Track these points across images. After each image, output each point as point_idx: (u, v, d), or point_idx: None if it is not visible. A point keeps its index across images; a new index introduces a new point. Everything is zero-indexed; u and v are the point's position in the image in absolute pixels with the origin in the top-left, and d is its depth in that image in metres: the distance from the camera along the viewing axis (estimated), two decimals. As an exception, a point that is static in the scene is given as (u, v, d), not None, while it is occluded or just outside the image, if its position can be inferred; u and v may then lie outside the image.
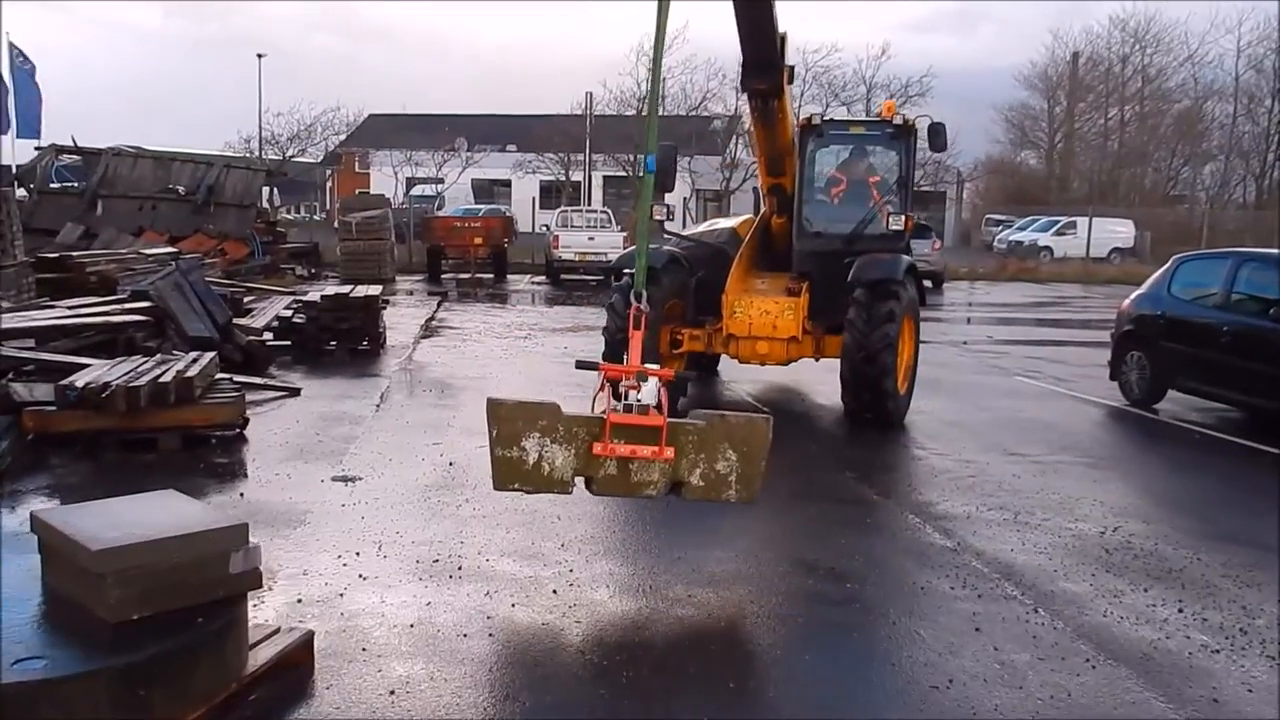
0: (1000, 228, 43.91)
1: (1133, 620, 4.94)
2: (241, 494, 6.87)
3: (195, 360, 8.83)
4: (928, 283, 20.46)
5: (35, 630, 3.86)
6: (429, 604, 4.97)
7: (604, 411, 5.06)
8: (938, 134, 9.97)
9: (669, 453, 5.01)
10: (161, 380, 7.95)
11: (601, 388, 5.30)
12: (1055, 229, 39.75)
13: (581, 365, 5.51)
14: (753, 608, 5.05)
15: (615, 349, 9.72)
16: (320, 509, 6.52)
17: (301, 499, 6.73)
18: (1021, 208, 46.50)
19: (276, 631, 4.32)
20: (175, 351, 9.86)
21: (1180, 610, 5.08)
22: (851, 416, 9.40)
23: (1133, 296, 11.28)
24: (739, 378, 11.75)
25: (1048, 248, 38.54)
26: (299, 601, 4.96)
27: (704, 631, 4.78)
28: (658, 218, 10.34)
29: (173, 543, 3.82)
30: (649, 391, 5.19)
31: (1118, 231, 38.98)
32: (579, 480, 5.13)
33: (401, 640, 4.55)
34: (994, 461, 8.19)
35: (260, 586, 4.15)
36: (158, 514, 4.10)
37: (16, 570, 4.10)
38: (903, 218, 9.86)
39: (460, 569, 5.46)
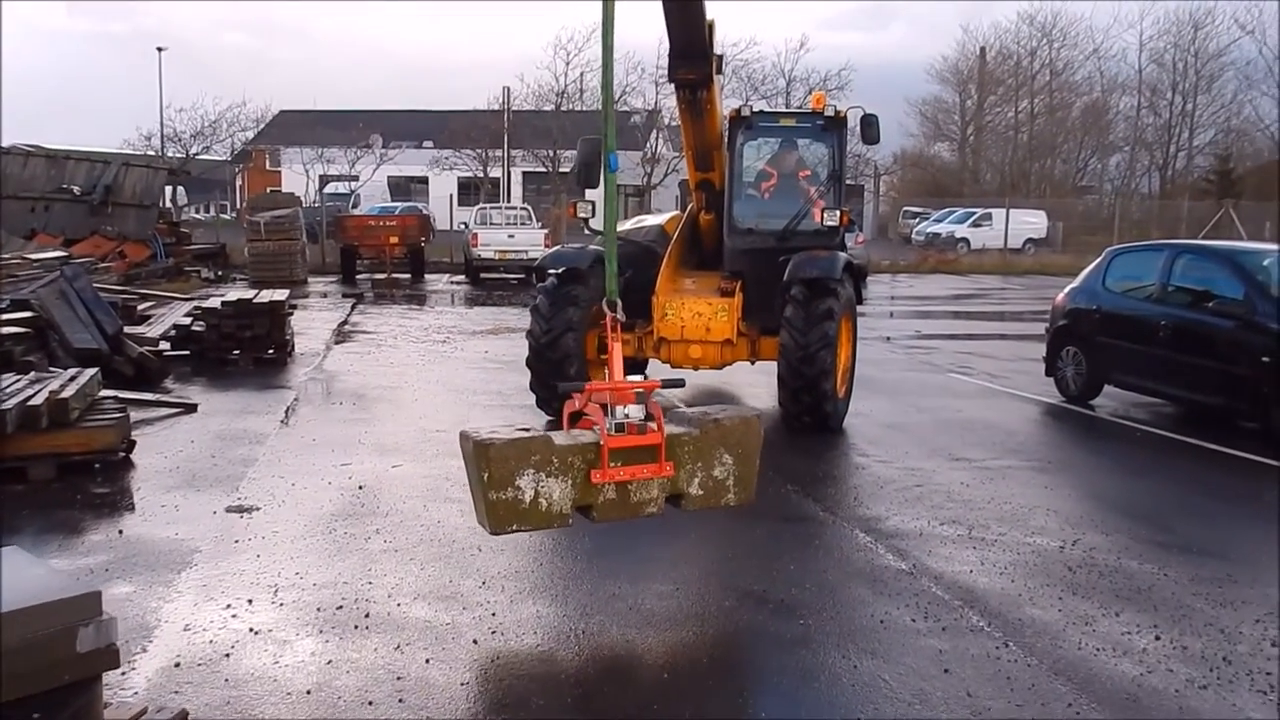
0: (917, 220, 44.19)
1: (1110, 652, 4.53)
2: (120, 531, 6.14)
3: (73, 378, 8.03)
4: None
5: None
6: (330, 663, 4.35)
7: (594, 430, 4.72)
8: (870, 125, 9.58)
9: (669, 468, 4.74)
10: (31, 403, 7.17)
11: (571, 409, 4.94)
12: (971, 220, 40.09)
13: (565, 389, 5.04)
14: (698, 654, 4.53)
15: (541, 355, 9.13)
16: (210, 546, 5.84)
17: (189, 535, 6.03)
18: (937, 200, 46.90)
19: (143, 713, 3.67)
20: (52, 368, 9.03)
21: (1157, 638, 4.69)
22: (789, 421, 8.93)
23: (1066, 290, 11.05)
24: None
25: (965, 239, 38.82)
26: (176, 666, 4.30)
27: (645, 685, 4.24)
28: (583, 215, 9.83)
29: (3, 621, 3.16)
30: (636, 406, 4.79)
31: (1031, 222, 39.47)
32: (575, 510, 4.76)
33: (296, 713, 3.93)
34: (940, 468, 7.81)
35: (116, 666, 3.48)
36: (-9, 581, 3.42)
37: None
38: (837, 213, 9.42)
39: (367, 617, 4.84)
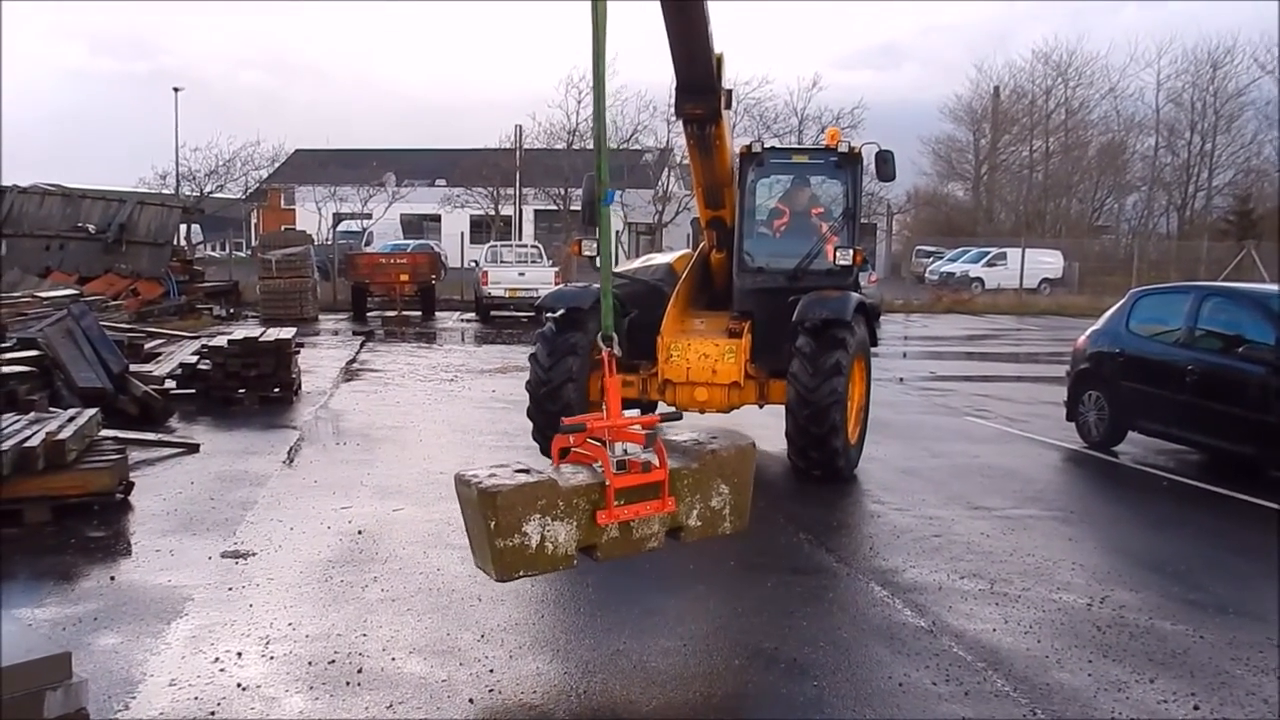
0: (931, 259, 44.02)
1: (1146, 723, 4.28)
2: (112, 577, 5.95)
3: (72, 419, 7.88)
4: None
5: None
6: (319, 724, 4.14)
7: (598, 468, 4.65)
8: (885, 162, 9.36)
9: (672, 503, 4.76)
10: (28, 444, 7.01)
11: (562, 444, 4.86)
12: (986, 260, 39.90)
13: (565, 429, 4.88)
14: (705, 716, 4.29)
15: (541, 406, 8.93)
16: (203, 594, 5.65)
17: (182, 581, 5.85)
18: (950, 239, 46.74)
19: (117, 780, 3.47)
20: (54, 408, 8.89)
21: (1196, 708, 4.43)
22: (799, 472, 8.68)
23: (1088, 332, 10.80)
24: (676, 424, 11.01)
25: (979, 279, 38.62)
26: (159, 726, 4.09)
27: (649, 751, 4.02)
28: (588, 253, 9.65)
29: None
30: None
31: (1046, 262, 39.23)
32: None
33: (279, 780, 3.72)
34: (958, 518, 7.56)
35: (87, 731, 3.30)
36: (-43, 640, 3.24)
37: None
38: (851, 251, 9.19)
39: (360, 672, 4.63)
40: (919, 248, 47.46)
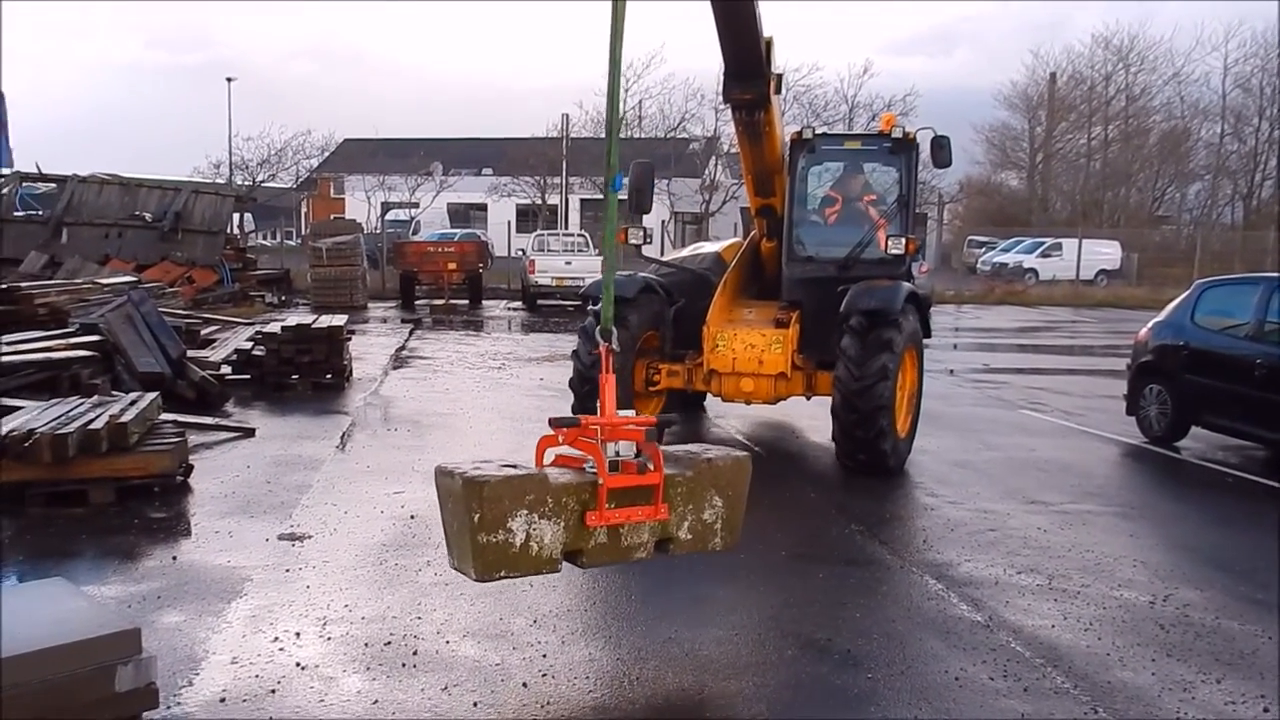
0: (983, 250, 43.44)
1: (1212, 724, 4.20)
2: (174, 557, 6.06)
3: (133, 403, 8.03)
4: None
5: None
6: (376, 703, 4.19)
7: (589, 469, 4.37)
8: (942, 147, 9.18)
9: (665, 511, 4.46)
10: (92, 427, 7.16)
11: (547, 445, 4.53)
12: (1040, 250, 39.28)
13: (557, 422, 4.54)
14: (758, 708, 4.27)
15: (584, 380, 8.90)
16: (261, 575, 5.73)
17: (241, 563, 5.93)
18: (1003, 229, 46.05)
19: (182, 756, 3.53)
20: (115, 391, 9.07)
21: (1266, 710, 4.32)
22: (844, 461, 8.55)
23: (1150, 325, 10.57)
24: (726, 412, 11.01)
25: (1033, 270, 38.00)
26: (222, 701, 4.16)
27: (703, 739, 4.01)
28: (634, 242, 9.53)
29: (41, 658, 3.04)
30: (628, 443, 4.49)
31: (1104, 253, 38.52)
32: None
33: (338, 759, 3.76)
34: (1014, 511, 7.46)
35: (155, 706, 3.36)
36: (32, 615, 3.31)
37: None
38: (903, 240, 8.97)
39: (415, 654, 4.67)
40: (971, 238, 46.85)
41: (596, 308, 9.17)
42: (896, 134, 9.30)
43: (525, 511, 4.13)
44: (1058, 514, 7.43)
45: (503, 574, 4.21)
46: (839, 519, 7.26)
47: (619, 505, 4.34)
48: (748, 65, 8.30)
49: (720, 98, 9.04)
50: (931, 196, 42.72)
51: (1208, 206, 51.79)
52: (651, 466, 4.41)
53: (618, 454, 4.42)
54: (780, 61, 9.02)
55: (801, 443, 10.11)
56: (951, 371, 15.28)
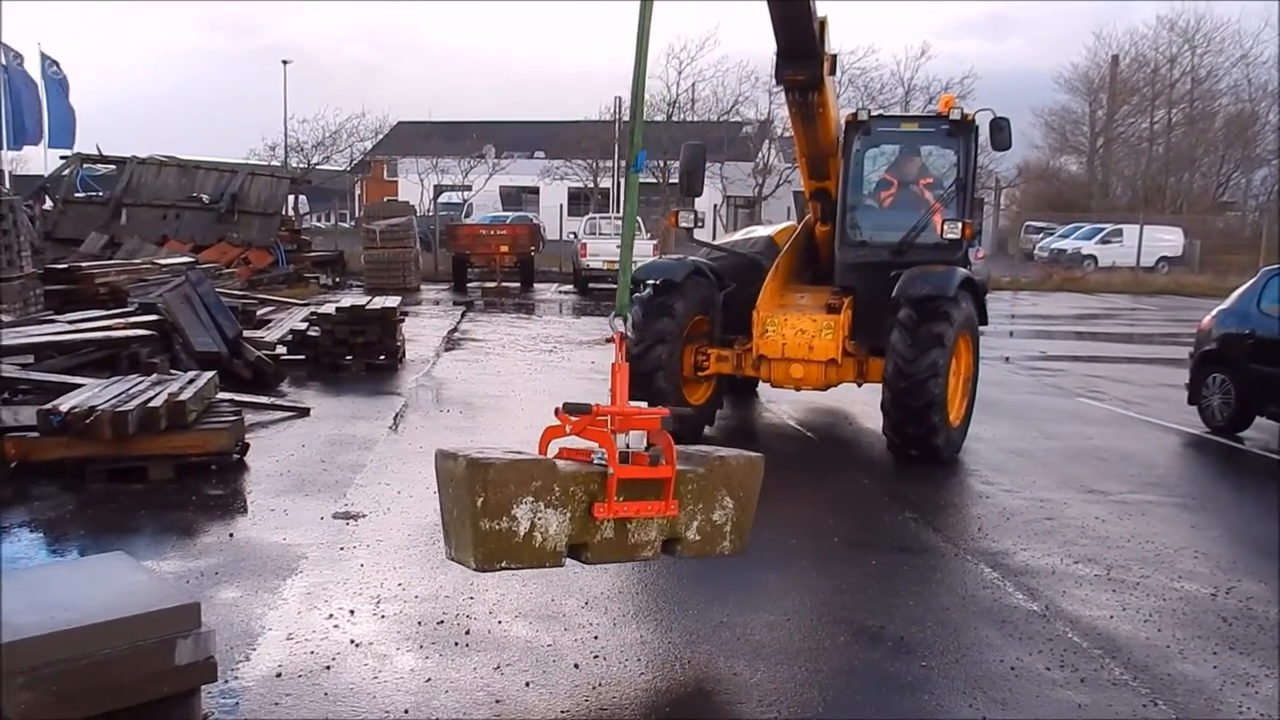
0: (1040, 235, 42.72)
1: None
2: (231, 534, 6.15)
3: (191, 381, 8.16)
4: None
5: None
6: (429, 681, 4.22)
7: (597, 461, 4.18)
8: (1001, 129, 8.94)
9: (675, 507, 4.29)
10: (151, 404, 7.28)
11: (552, 436, 4.35)
12: (1099, 237, 38.53)
13: (570, 409, 4.32)
14: (810, 693, 4.23)
15: (631, 364, 8.82)
16: (316, 553, 5.79)
17: (297, 540, 6.01)
18: (1062, 214, 45.23)
19: (239, 728, 3.58)
20: (174, 370, 9.22)
21: (1332, 705, 4.23)
22: (896, 452, 8.44)
23: (1214, 312, 10.32)
24: (778, 398, 10.94)
25: (1092, 256, 37.32)
26: (278, 676, 4.22)
27: (754, 724, 3.98)
28: (685, 225, 9.44)
29: (102, 631, 3.09)
30: (639, 435, 4.36)
31: (1165, 239, 37.68)
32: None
33: (392, 735, 3.79)
34: (1072, 500, 7.33)
35: (213, 679, 3.41)
36: (94, 589, 3.38)
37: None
38: (960, 225, 8.74)
39: (468, 634, 4.70)
40: (1028, 223, 46.09)
41: (641, 294, 9.05)
42: (955, 115, 9.11)
43: (531, 499, 3.95)
44: (1116, 504, 7.29)
45: (503, 565, 4.03)
46: (892, 506, 7.18)
47: (629, 498, 4.17)
48: (801, 46, 8.18)
49: (774, 80, 8.85)
50: (988, 181, 42.14)
51: (1275, 192, 50.35)
52: (664, 460, 4.25)
53: (628, 445, 4.26)
54: (836, 44, 8.90)
55: (855, 429, 10.03)
56: (1007, 359, 15.07)
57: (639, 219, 31.26)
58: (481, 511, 3.86)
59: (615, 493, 4.10)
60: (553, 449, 4.33)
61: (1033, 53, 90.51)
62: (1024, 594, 5.44)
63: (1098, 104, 54.97)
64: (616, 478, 4.09)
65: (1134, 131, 54.70)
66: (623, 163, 39.22)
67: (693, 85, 40.87)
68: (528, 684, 4.21)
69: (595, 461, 4.18)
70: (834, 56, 8.75)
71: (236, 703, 3.97)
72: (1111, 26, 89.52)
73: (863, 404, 10.47)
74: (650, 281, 9.07)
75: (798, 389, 9.17)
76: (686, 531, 4.42)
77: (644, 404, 4.71)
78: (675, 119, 39.72)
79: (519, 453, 4.13)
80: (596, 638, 4.70)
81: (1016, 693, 4.24)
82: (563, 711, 4.00)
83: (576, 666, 4.39)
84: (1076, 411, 11.11)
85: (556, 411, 4.31)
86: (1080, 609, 5.23)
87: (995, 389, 11.64)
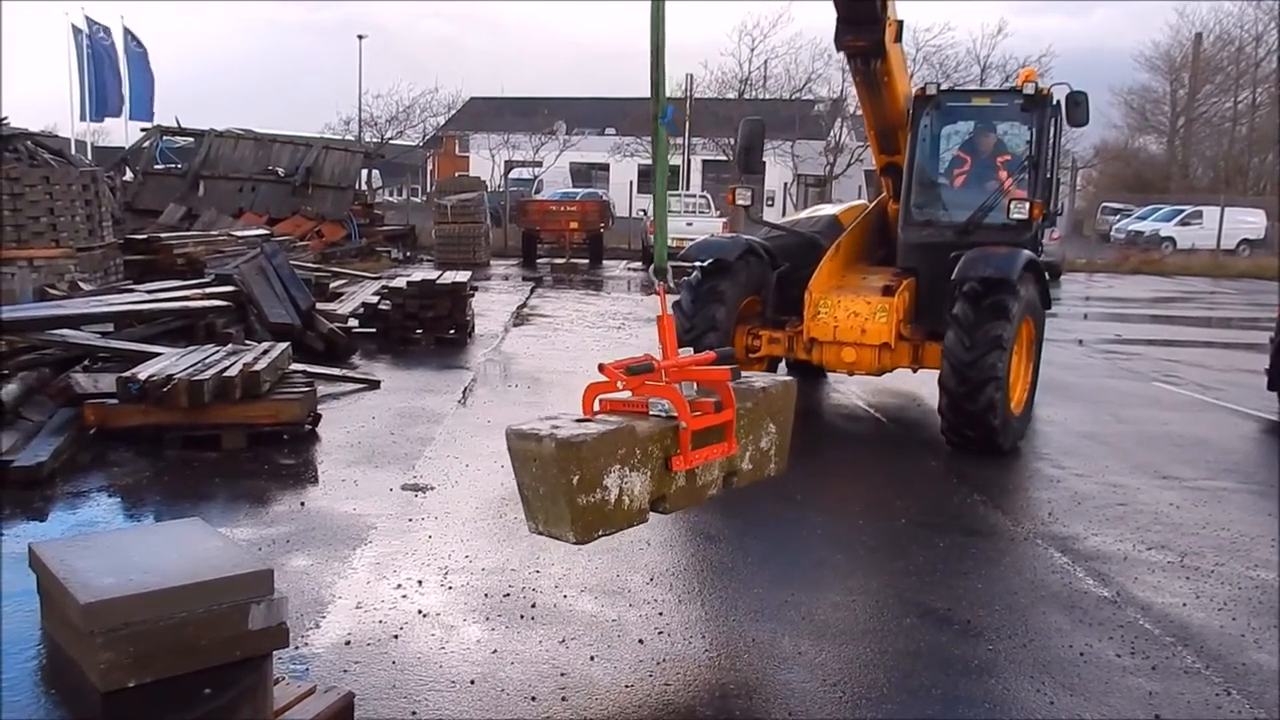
0: (1117, 217, 41.65)
1: (1355, 712, 3.98)
2: (302, 503, 6.28)
3: (265, 352, 8.33)
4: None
5: (30, 687, 3.26)
6: (495, 652, 4.28)
7: (658, 413, 4.17)
8: (1078, 104, 8.58)
9: (735, 446, 4.43)
10: (227, 374, 7.46)
11: (598, 392, 4.34)
12: (1179, 218, 37.44)
13: (633, 370, 4.31)
14: (875, 674, 4.21)
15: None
16: (385, 524, 5.89)
17: (366, 511, 6.12)
18: (1139, 195, 44.02)
19: (311, 693, 3.65)
20: (248, 341, 9.42)
21: None
22: (949, 436, 8.09)
23: (1298, 296, 10.00)
24: (845, 378, 10.80)
25: (1170, 238, 36.30)
26: (347, 644, 4.31)
27: (819, 703, 3.97)
28: (741, 202, 9.17)
29: (179, 594, 3.16)
30: (688, 383, 4.40)
31: (1248, 222, 36.51)
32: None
33: (459, 703, 3.86)
34: (1145, 486, 7.17)
35: (286, 645, 3.47)
36: (170, 553, 3.45)
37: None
38: (1027, 205, 8.35)
39: (534, 607, 4.75)
40: (1105, 204, 44.94)
41: (688, 278, 8.86)
42: (1028, 89, 8.73)
43: (618, 466, 3.99)
44: (1191, 490, 7.12)
45: (600, 533, 4.05)
46: (960, 488, 7.09)
47: (696, 446, 4.25)
48: (861, 9, 7.85)
49: (834, 46, 8.50)
50: (1064, 160, 41.08)
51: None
52: (724, 405, 4.35)
53: (664, 409, 4.21)
54: (909, 20, 8.67)
55: (923, 410, 9.90)
56: (1081, 342, 14.73)
57: (708, 196, 31.11)
58: (578, 489, 3.87)
59: (689, 444, 4.17)
60: (597, 405, 4.35)
61: (1115, 29, 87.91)
62: (1094, 579, 5.34)
63: (1179, 83, 53.29)
64: (690, 430, 4.15)
65: (1216, 111, 52.95)
66: (694, 140, 39.24)
67: (765, 63, 40.45)
68: (592, 658, 4.25)
69: (654, 414, 4.18)
70: (899, 22, 8.41)
71: (307, 669, 4.07)
72: (1195, 4, 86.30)
73: (932, 386, 10.22)
74: (700, 263, 8.84)
75: (850, 373, 8.93)
76: (741, 463, 4.55)
77: (690, 350, 4.78)
78: (747, 96, 39.36)
79: (586, 420, 4.13)
80: (661, 613, 4.72)
81: (1085, 679, 4.17)
82: (627, 686, 4.03)
83: (641, 642, 4.42)
84: (1151, 396, 10.84)
85: (601, 367, 4.32)
86: (1152, 596, 5.12)
87: (1068, 372, 11.42)
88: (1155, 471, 7.60)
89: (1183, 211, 37.74)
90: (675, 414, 4.14)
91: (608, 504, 3.97)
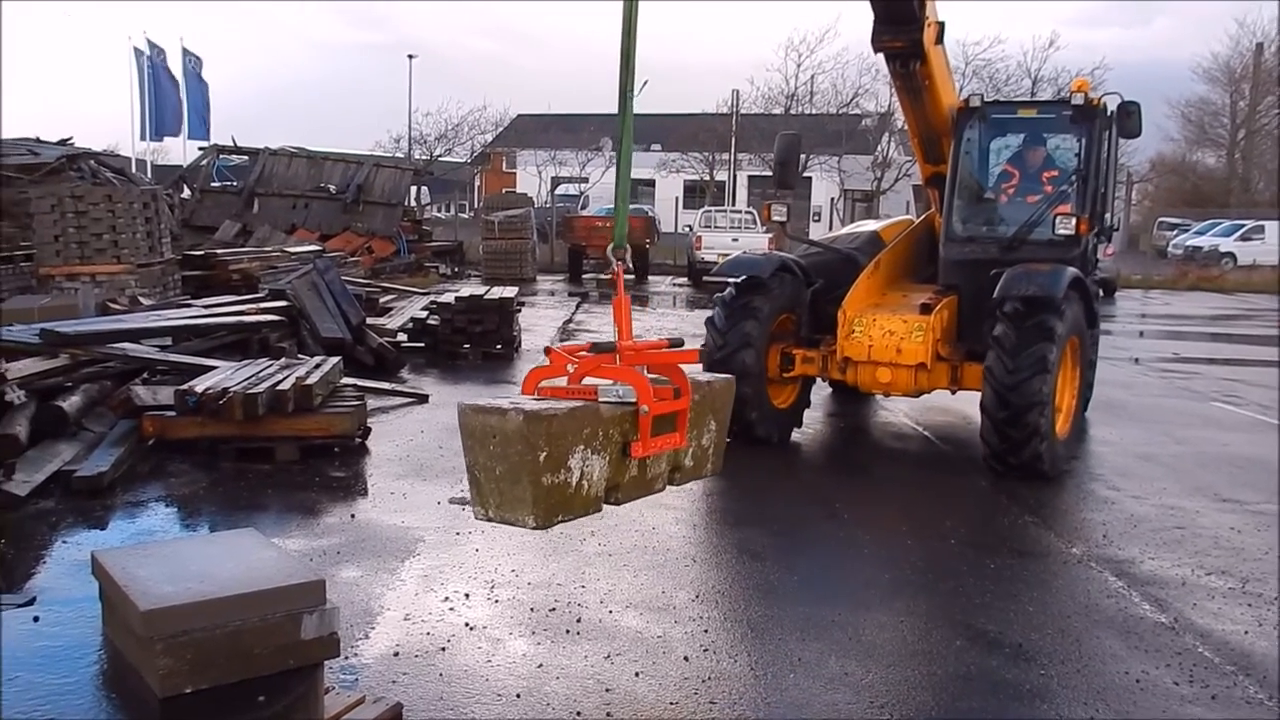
0: (1175, 232, 40.94)
1: None
2: (353, 515, 6.35)
3: (318, 366, 8.45)
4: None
5: (92, 691, 3.34)
6: (540, 666, 4.28)
7: (609, 399, 3.96)
8: (1130, 115, 8.32)
9: (684, 438, 4.20)
10: (280, 388, 7.57)
11: (542, 375, 4.12)
12: (1239, 234, 36.71)
13: (597, 348, 4.14)
14: (924, 697, 4.16)
15: (714, 370, 8.61)
16: (433, 537, 5.94)
17: (415, 523, 6.16)
18: (1198, 210, 43.26)
19: (360, 702, 3.69)
20: (300, 355, 9.55)
21: None
22: (990, 463, 7.76)
23: (1363, 315, 9.77)
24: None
25: (1230, 254, 35.57)
26: (395, 655, 4.34)
27: (865, 725, 3.93)
28: (777, 218, 8.99)
29: (234, 603, 3.22)
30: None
31: (1312, 237, 35.71)
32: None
33: (505, 717, 3.87)
34: (1204, 509, 7.02)
35: (337, 655, 3.52)
36: (226, 563, 3.52)
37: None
38: (1074, 220, 8.07)
39: (579, 621, 4.76)
40: (1161, 219, 44.23)
41: (723, 293, 8.69)
42: (1077, 100, 8.42)
43: (582, 447, 3.77)
44: (1253, 514, 6.95)
45: (560, 518, 3.83)
46: (1011, 508, 6.99)
47: (654, 434, 4.04)
48: (897, 10, 7.62)
49: (870, 47, 8.24)
50: (1119, 175, 40.45)
51: None
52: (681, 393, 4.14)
53: (618, 394, 3.99)
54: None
55: (972, 429, 9.68)
56: (1136, 360, 14.48)
57: (753, 211, 30.99)
58: (544, 466, 3.64)
59: (650, 430, 3.97)
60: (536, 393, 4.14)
61: (1172, 40, 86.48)
62: (1151, 604, 5.23)
63: (1239, 94, 52.33)
64: (651, 415, 3.95)
65: (1278, 123, 51.89)
66: (740, 156, 39.16)
67: (811, 78, 40.41)
68: (637, 674, 4.24)
69: (605, 399, 3.94)
70: (940, 24, 8.12)
71: (356, 679, 4.10)
72: (1256, 13, 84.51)
73: (966, 402, 10.19)
74: (734, 279, 8.66)
75: (886, 394, 8.66)
76: (685, 459, 4.32)
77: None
78: (793, 112, 39.33)
79: (548, 399, 3.92)
80: (707, 631, 4.71)
81: (1141, 706, 4.09)
82: (671, 703, 4.02)
83: (686, 659, 4.40)
84: (1210, 416, 10.62)
85: (547, 350, 4.19)
86: (1212, 623, 5.01)
87: (1122, 391, 11.23)
88: (1215, 494, 7.44)
89: (1243, 226, 37.01)
90: (630, 401, 3.94)
91: (569, 486, 3.76)
